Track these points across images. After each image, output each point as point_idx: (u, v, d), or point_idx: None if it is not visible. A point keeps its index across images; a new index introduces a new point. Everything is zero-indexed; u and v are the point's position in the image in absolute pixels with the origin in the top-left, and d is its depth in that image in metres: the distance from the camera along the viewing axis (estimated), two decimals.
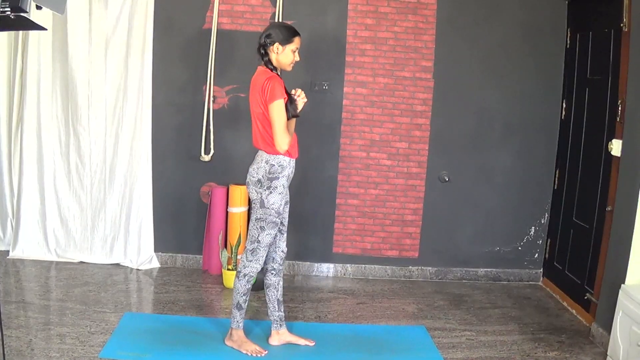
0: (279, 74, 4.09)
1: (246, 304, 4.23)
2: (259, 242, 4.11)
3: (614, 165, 4.73)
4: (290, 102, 4.04)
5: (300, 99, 4.09)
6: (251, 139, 5.72)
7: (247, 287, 4.18)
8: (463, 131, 5.87)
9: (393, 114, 5.80)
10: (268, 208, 4.04)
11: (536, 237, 6.04)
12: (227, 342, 4.30)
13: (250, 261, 4.15)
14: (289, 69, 4.15)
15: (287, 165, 4.07)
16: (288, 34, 4.06)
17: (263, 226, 4.08)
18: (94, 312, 4.75)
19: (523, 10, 5.74)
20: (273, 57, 4.06)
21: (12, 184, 6.01)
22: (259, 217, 4.08)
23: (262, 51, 4.06)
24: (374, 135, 5.84)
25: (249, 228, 4.16)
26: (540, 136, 5.91)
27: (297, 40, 4.09)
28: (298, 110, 4.09)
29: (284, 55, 4.06)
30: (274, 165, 4.03)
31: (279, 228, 4.28)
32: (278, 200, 4.05)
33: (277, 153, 4.03)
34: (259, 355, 4.20)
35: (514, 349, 4.55)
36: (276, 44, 4.03)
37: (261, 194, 4.05)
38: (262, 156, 4.09)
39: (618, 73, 4.76)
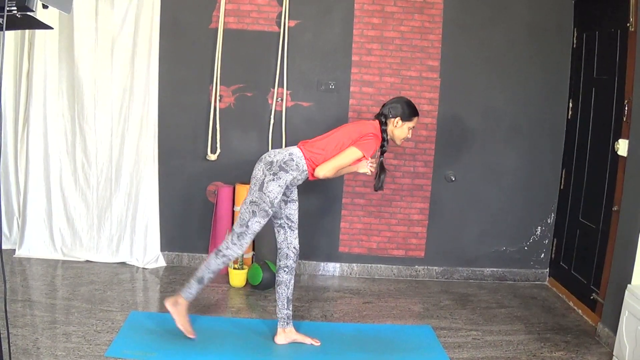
0: (385, 141, 4.28)
1: (208, 282, 4.24)
2: (247, 227, 4.11)
3: (621, 165, 4.73)
4: (382, 170, 4.32)
5: (369, 165, 4.30)
6: (256, 138, 5.77)
7: (219, 267, 4.19)
8: (469, 130, 5.87)
9: None
10: (264, 194, 4.05)
11: (542, 237, 6.03)
12: (167, 305, 4.27)
13: (235, 244, 4.15)
14: (399, 143, 4.41)
15: (301, 171, 4.13)
16: (410, 111, 4.31)
17: (255, 211, 4.08)
18: (100, 311, 4.76)
19: (529, 10, 5.73)
20: (390, 128, 4.29)
21: (19, 183, 6.02)
22: (253, 200, 4.09)
23: (383, 119, 4.27)
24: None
25: (241, 210, 4.16)
26: (546, 136, 5.90)
27: (415, 119, 4.36)
28: (379, 185, 4.36)
29: (401, 130, 4.30)
30: (293, 160, 4.10)
31: (289, 225, 4.32)
32: (276, 191, 4.06)
33: (306, 159, 4.13)
34: (189, 334, 4.23)
35: (520, 348, 4.54)
36: (397, 118, 4.27)
37: (265, 176, 4.08)
38: (292, 149, 4.17)
39: (624, 73, 4.75)
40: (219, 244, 5.67)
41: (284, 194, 4.27)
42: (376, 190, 4.39)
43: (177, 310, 4.26)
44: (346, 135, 4.18)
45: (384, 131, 4.26)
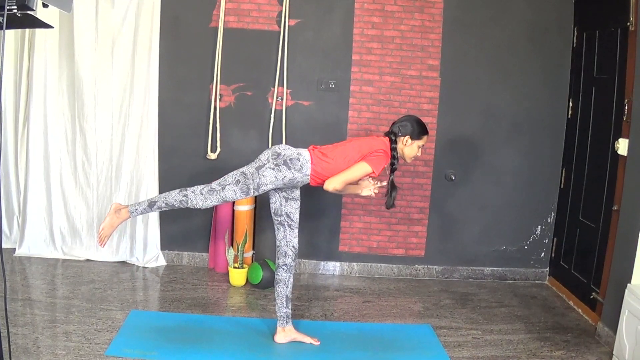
0: (395, 159, 4.28)
1: (156, 210, 4.19)
2: (223, 189, 4.09)
3: (621, 164, 4.72)
4: (393, 187, 4.30)
5: (372, 186, 4.33)
6: (256, 137, 5.77)
7: (174, 204, 4.13)
8: (470, 130, 5.87)
9: (400, 112, 5.78)
10: (258, 174, 4.05)
11: (542, 236, 6.03)
12: (112, 207, 4.19)
13: (202, 195, 4.11)
14: (409, 161, 4.42)
15: (303, 174, 4.11)
16: (420, 130, 4.31)
17: (239, 181, 4.07)
18: (100, 310, 4.76)
19: (530, 9, 5.72)
20: (399, 146, 4.29)
21: (19, 181, 6.01)
22: (245, 172, 4.09)
23: (393, 137, 4.27)
24: (380, 134, 5.83)
25: (229, 173, 4.16)
26: (546, 135, 5.89)
27: (425, 138, 4.36)
28: (391, 203, 4.33)
29: (410, 148, 4.30)
30: (299, 161, 4.09)
31: (288, 223, 4.32)
32: (270, 179, 4.05)
33: (313, 164, 4.11)
34: (99, 242, 4.17)
35: (520, 347, 4.54)
36: (407, 137, 4.27)
37: (268, 161, 4.08)
38: (302, 151, 4.17)
39: (625, 72, 4.75)
40: (218, 243, 5.72)
41: (284, 191, 4.27)
42: (388, 208, 4.38)
43: (114, 217, 4.18)
44: (356, 149, 4.18)
45: (393, 149, 4.25)
